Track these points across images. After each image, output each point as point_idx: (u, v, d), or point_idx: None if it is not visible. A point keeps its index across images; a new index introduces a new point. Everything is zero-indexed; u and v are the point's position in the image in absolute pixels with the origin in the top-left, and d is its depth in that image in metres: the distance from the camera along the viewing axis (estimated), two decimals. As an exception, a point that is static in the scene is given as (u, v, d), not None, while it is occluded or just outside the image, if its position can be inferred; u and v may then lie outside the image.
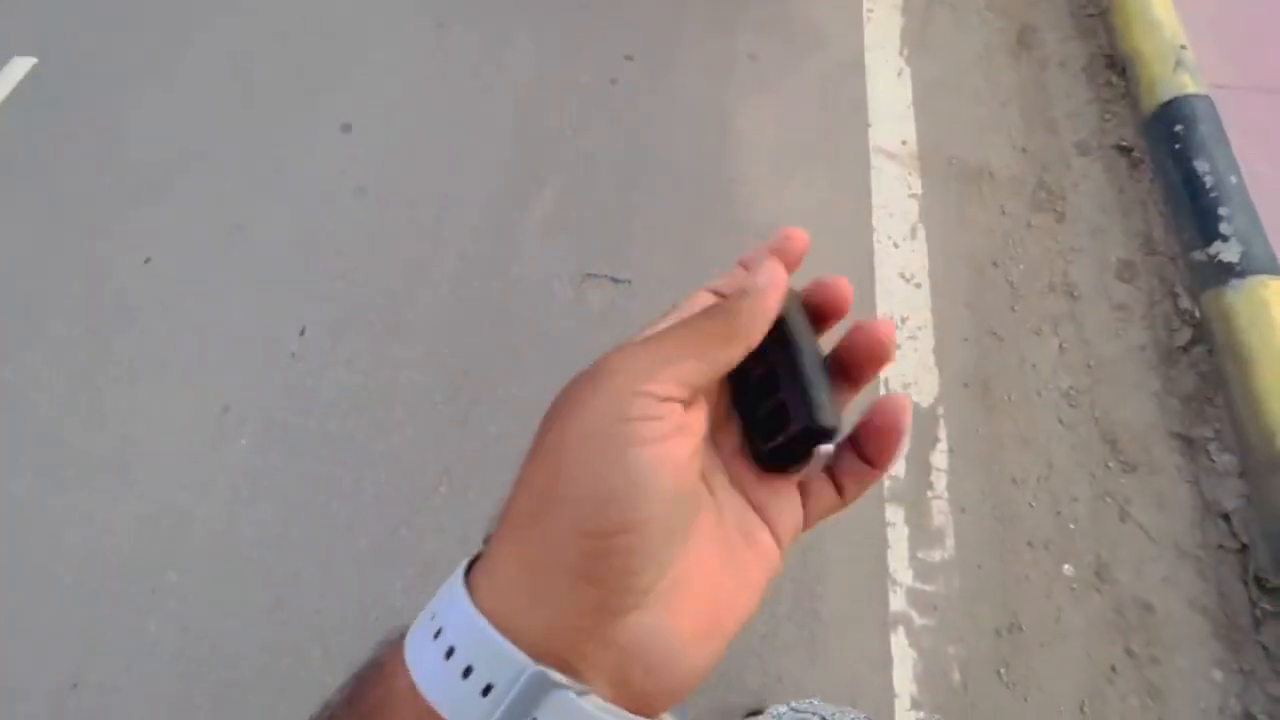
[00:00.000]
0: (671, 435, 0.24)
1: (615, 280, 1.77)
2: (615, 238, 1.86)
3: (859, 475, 0.30)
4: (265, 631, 1.38)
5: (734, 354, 0.26)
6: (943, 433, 1.57)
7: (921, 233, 1.86)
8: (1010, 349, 1.68)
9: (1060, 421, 1.59)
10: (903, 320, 1.71)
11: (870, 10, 2.36)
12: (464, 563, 0.26)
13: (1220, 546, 1.43)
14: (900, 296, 1.75)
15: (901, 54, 2.24)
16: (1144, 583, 1.42)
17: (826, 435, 0.28)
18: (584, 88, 2.19)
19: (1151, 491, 1.52)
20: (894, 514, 1.47)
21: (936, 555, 1.44)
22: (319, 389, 1.65)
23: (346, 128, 2.12)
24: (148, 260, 1.85)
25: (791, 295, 0.30)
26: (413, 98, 2.19)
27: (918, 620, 1.38)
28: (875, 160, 1.99)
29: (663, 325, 0.29)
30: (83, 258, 1.87)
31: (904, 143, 2.03)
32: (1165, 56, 2.01)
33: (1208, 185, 1.76)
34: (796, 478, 0.29)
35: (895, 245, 1.84)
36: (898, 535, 1.45)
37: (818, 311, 0.31)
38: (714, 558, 0.27)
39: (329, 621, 1.38)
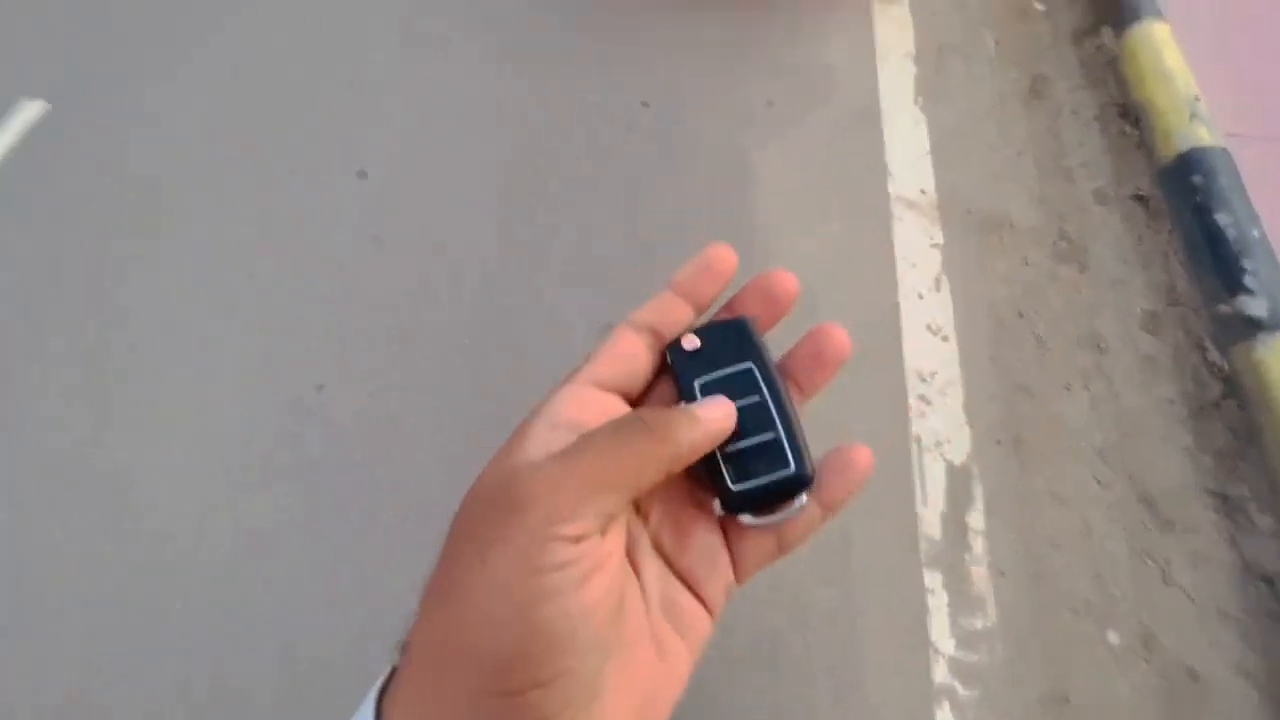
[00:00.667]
0: (591, 575, 0.23)
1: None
2: (636, 285, 1.83)
3: (808, 523, 0.28)
4: (275, 680, 1.31)
5: (658, 478, 0.25)
6: (978, 491, 1.55)
7: (946, 284, 1.85)
8: (1041, 405, 1.66)
9: (1095, 480, 1.57)
10: (931, 375, 1.70)
11: (884, 59, 2.38)
12: (374, 693, 0.24)
13: (1265, 613, 1.41)
14: (927, 350, 1.73)
15: (916, 102, 2.26)
16: (1190, 649, 1.39)
17: (808, 483, 0.27)
18: (601, 134, 2.19)
19: (1190, 551, 1.49)
20: (932, 579, 1.44)
21: (978, 623, 1.40)
22: (338, 448, 1.61)
23: (362, 174, 2.11)
24: (160, 311, 1.81)
25: (746, 321, 0.29)
26: (429, 144, 2.18)
27: (962, 692, 1.34)
28: (896, 209, 1.99)
29: (583, 377, 0.27)
30: (94, 306, 1.83)
31: (923, 192, 2.04)
32: (1179, 108, 2.03)
33: (1230, 238, 1.77)
34: (755, 524, 0.28)
35: (920, 297, 1.83)
36: (938, 602, 1.42)
37: (766, 312, 0.31)
38: (642, 654, 0.26)
39: (337, 666, 1.32)
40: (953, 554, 1.47)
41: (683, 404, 0.27)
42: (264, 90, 2.32)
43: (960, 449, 1.60)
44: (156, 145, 2.17)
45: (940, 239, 1.94)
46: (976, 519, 1.52)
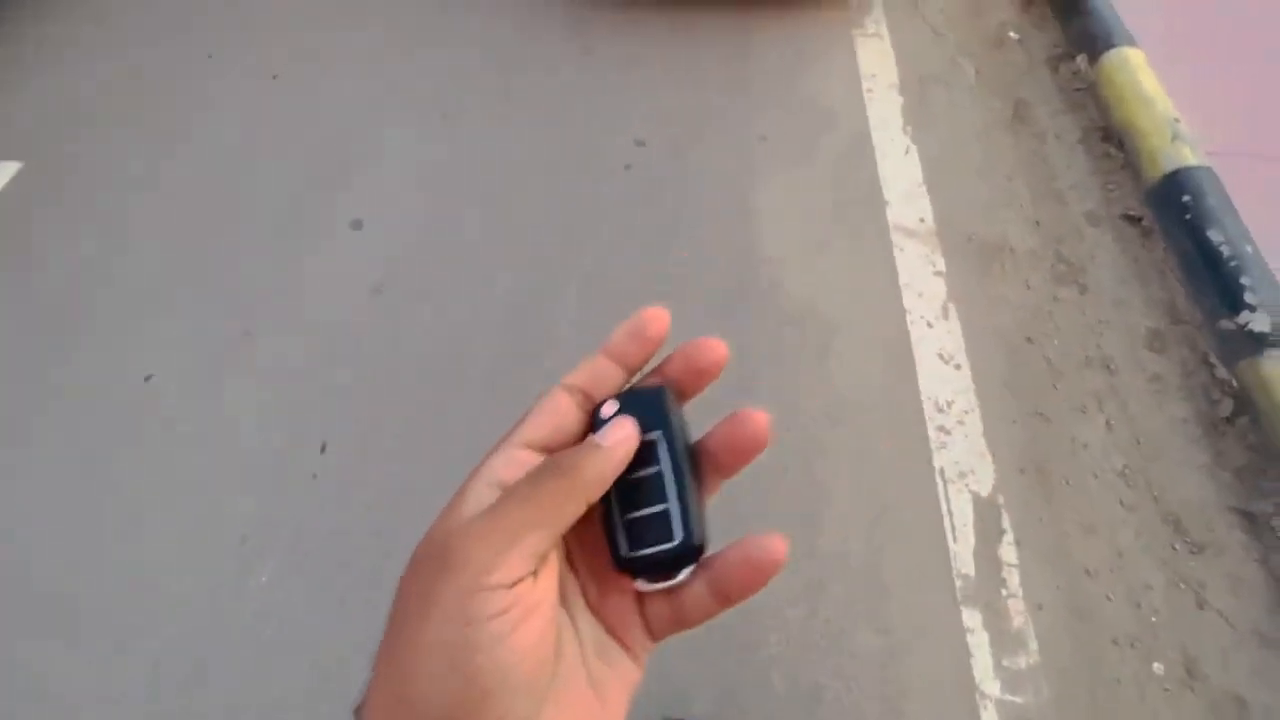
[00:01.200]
0: (524, 620, 0.24)
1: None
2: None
3: (703, 609, 0.29)
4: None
5: (579, 510, 0.27)
6: (1007, 523, 1.52)
7: (953, 311, 1.85)
8: (1059, 430, 1.65)
9: (1121, 504, 1.56)
10: (948, 404, 1.68)
11: (870, 90, 2.42)
12: None
13: (1305, 632, 1.39)
14: (941, 379, 1.72)
15: (906, 132, 2.29)
16: (1233, 676, 1.37)
17: (693, 557, 0.28)
18: (599, 175, 2.18)
19: (1223, 573, 1.48)
20: (971, 618, 1.40)
21: (1021, 661, 1.36)
22: (345, 514, 1.53)
23: (357, 224, 2.06)
24: (148, 378, 1.73)
25: (663, 391, 0.29)
26: (423, 191, 2.15)
27: (1012, 737, 1.30)
28: (897, 238, 2.00)
29: (516, 438, 0.29)
30: (76, 377, 1.74)
31: (922, 220, 2.05)
32: (1161, 129, 2.09)
33: (1225, 255, 1.80)
34: (646, 589, 0.29)
35: (929, 325, 1.82)
36: (978, 642, 1.38)
37: (691, 379, 0.30)
38: (580, 695, 0.27)
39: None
40: (989, 590, 1.43)
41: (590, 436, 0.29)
42: (249, 143, 2.28)
43: (985, 480, 1.58)
44: (136, 204, 2.11)
45: (943, 266, 1.94)
46: (1008, 552, 1.49)
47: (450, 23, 2.70)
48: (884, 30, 2.66)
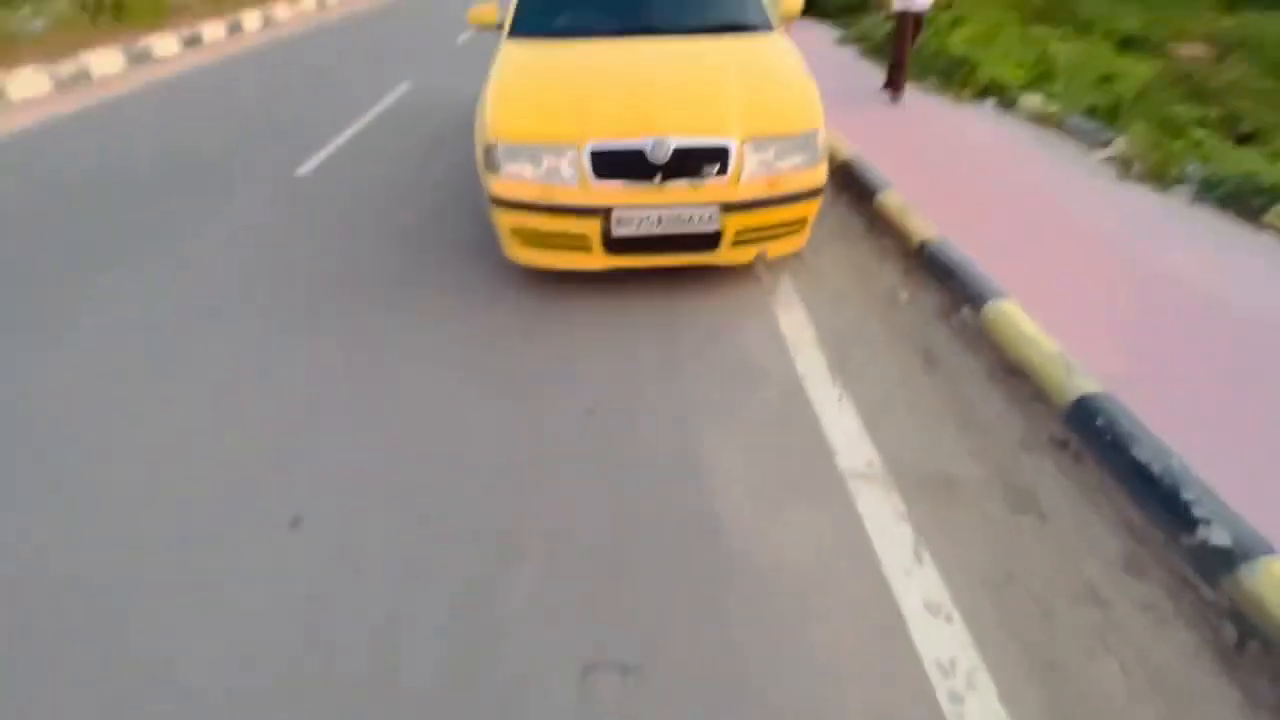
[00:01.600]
0: None
1: (624, 670, 1.51)
2: (612, 614, 1.65)
3: None
4: None
5: None
6: (1062, 817, 1.28)
7: (926, 555, 1.80)
8: (1074, 681, 1.51)
9: (1174, 770, 1.36)
10: (951, 664, 1.53)
11: (795, 349, 2.69)
12: None
13: None
14: (936, 635, 1.60)
15: (836, 383, 2.49)
16: None
17: None
18: (549, 448, 2.21)
19: None
20: None
21: None
22: None
23: (296, 522, 1.94)
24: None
25: None
26: (367, 485, 2.09)
27: None
28: (852, 485, 2.03)
29: None
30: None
31: (870, 464, 2.11)
32: (1055, 363, 2.34)
33: (1156, 472, 1.89)
34: None
35: (906, 573, 1.75)
36: None
37: None
38: None
39: None
40: None
41: None
42: (178, 440, 2.23)
43: (1019, 758, 1.37)
44: (46, 519, 1.95)
45: (903, 508, 1.95)
46: None
47: (401, 315, 2.95)
48: (795, 299, 3.07)
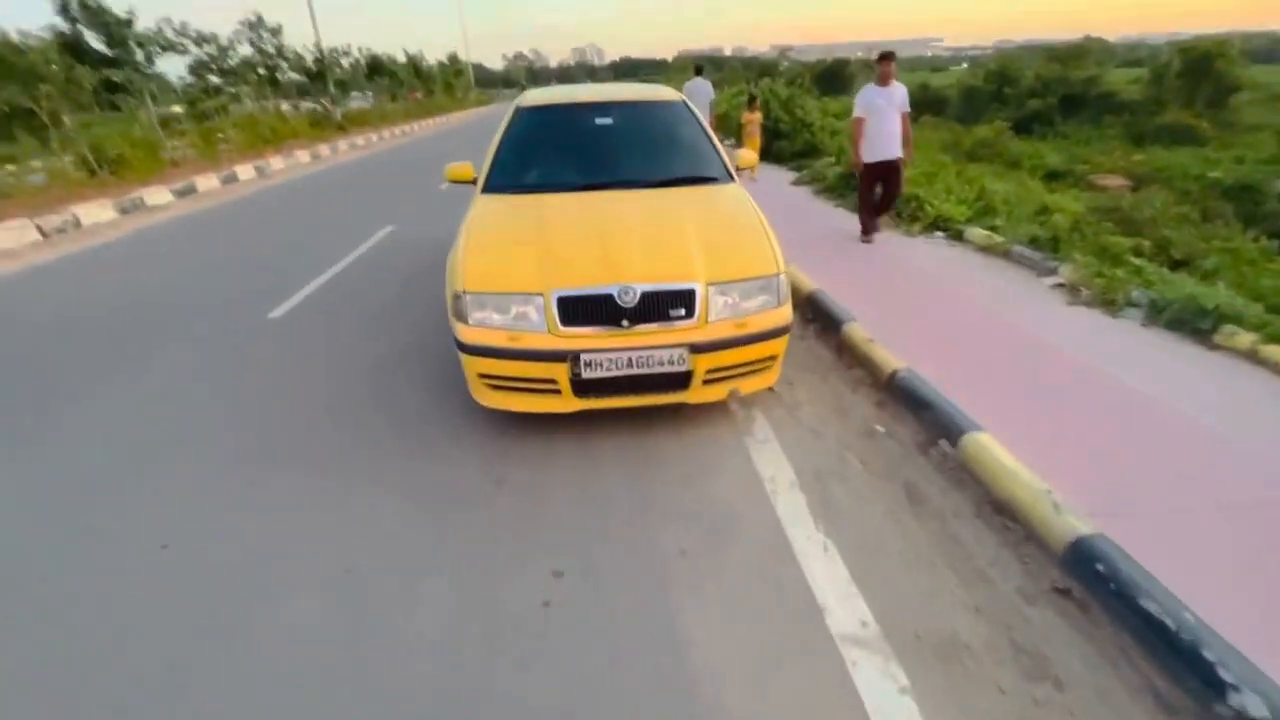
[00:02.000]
0: None
1: None
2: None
3: None
4: None
5: None
6: None
7: (937, 741, 1.58)
8: None
9: None
10: None
11: (773, 491, 2.56)
12: None
13: None
14: None
15: (819, 528, 2.34)
16: None
17: None
18: (515, 617, 1.99)
19: None
20: None
21: None
22: None
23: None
24: None
25: None
26: (317, 664, 1.84)
27: None
28: (846, 651, 1.83)
29: None
30: None
31: (864, 624, 1.93)
32: (1041, 501, 2.25)
33: (1172, 629, 1.74)
34: None
35: (918, 767, 1.52)
36: None
37: None
38: None
39: None
40: None
41: None
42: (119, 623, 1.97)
43: None
44: None
45: (905, 680, 1.74)
46: None
47: (364, 461, 2.78)
48: (770, 435, 2.98)
